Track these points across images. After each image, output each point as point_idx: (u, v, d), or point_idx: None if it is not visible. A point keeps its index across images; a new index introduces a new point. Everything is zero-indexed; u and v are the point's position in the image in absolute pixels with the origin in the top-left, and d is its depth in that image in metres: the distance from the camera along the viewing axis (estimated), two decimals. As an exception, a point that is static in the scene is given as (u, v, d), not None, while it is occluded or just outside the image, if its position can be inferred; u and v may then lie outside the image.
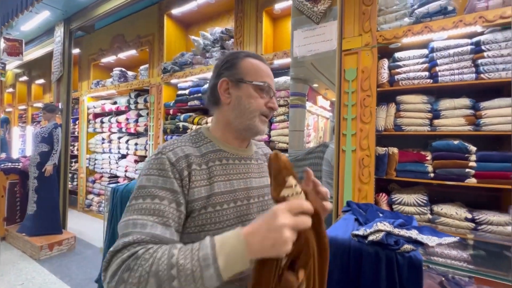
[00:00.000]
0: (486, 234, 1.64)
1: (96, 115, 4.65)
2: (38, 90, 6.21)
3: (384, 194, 2.04)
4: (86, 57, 4.68)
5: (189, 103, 3.18)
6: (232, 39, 2.84)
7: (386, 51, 2.08)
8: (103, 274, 0.51)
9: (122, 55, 4.06)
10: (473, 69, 1.71)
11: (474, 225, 1.66)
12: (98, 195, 4.43)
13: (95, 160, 4.55)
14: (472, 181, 1.69)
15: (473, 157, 1.70)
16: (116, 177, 4.28)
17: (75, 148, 4.99)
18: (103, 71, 4.71)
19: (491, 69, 1.65)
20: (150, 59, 3.64)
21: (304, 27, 1.51)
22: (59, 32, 3.71)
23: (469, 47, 1.72)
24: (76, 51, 4.61)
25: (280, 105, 2.48)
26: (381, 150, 1.97)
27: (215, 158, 0.67)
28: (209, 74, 3.03)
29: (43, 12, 3.52)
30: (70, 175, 5.00)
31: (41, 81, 5.90)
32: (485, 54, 1.67)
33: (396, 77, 1.94)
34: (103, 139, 4.44)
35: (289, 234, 0.45)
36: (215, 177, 0.64)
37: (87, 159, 4.67)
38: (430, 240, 1.17)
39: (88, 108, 4.67)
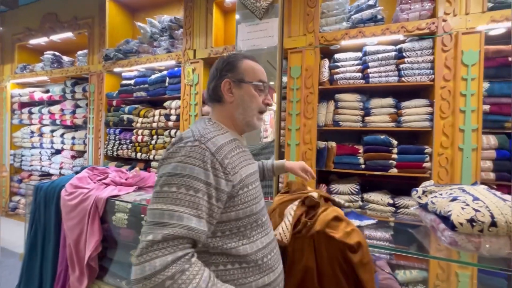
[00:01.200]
0: (404, 216, 1.90)
1: (23, 105, 4.04)
2: None
3: (324, 185, 2.20)
4: (9, 36, 4.01)
5: (134, 95, 2.97)
6: (181, 29, 2.73)
7: (328, 52, 2.24)
8: (138, 259, 0.54)
9: (56, 37, 3.58)
10: (396, 73, 1.94)
11: (394, 209, 1.91)
12: (26, 196, 3.88)
13: (22, 156, 3.96)
14: (394, 171, 1.93)
15: (395, 150, 1.94)
16: (49, 175, 3.80)
17: (-4, 142, 4.27)
18: (32, 54, 4.10)
19: (410, 74, 1.89)
20: (90, 44, 3.28)
21: (248, 21, 1.53)
22: (-31, 4, 3.11)
23: (393, 53, 1.95)
24: (-5, 28, 3.94)
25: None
26: (321, 144, 2.12)
27: (235, 147, 0.74)
28: (157, 65, 2.87)
29: None
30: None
31: None
32: (405, 60, 1.91)
33: (335, 76, 2.10)
34: (32, 132, 3.88)
35: None
36: (241, 162, 0.72)
37: (11, 155, 4.04)
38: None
39: (12, 97, 4.02)
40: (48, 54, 3.66)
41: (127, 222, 1.28)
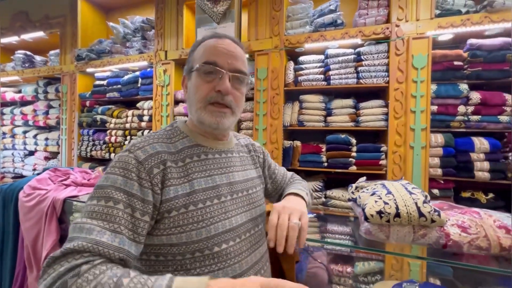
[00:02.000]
0: (362, 211, 2.00)
1: (-6, 105, 3.93)
2: None
3: (290, 183, 2.28)
4: (-22, 35, 3.89)
5: (107, 95, 2.97)
6: (153, 30, 2.75)
7: (293, 54, 2.32)
8: (39, 281, 0.43)
9: (27, 36, 3.51)
10: (355, 75, 2.04)
11: (353, 204, 2.01)
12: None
13: (-6, 157, 3.86)
14: (353, 168, 2.03)
15: (354, 148, 2.04)
16: (23, 176, 3.71)
17: (-34, 143, 4.14)
18: (2, 53, 3.98)
19: (367, 76, 2.00)
20: (62, 44, 3.24)
21: (207, 26, 1.58)
22: None
23: (352, 56, 2.05)
24: (-37, 26, 3.81)
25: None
26: (287, 143, 2.20)
27: (192, 154, 0.62)
28: (129, 65, 2.88)
29: None
30: (-41, 177, 4.16)
31: None
32: (363, 63, 2.01)
33: (299, 78, 2.18)
34: (4, 133, 3.79)
35: None
36: (193, 174, 0.60)
37: (-18, 156, 3.93)
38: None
39: (-18, 97, 3.91)
40: (19, 54, 3.58)
41: (84, 222, 1.32)
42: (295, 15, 2.24)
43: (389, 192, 0.89)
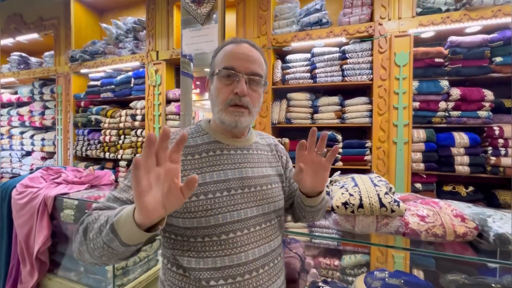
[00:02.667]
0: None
1: (-9, 107, 3.99)
2: None
3: (280, 179, 2.34)
4: (-26, 37, 3.94)
5: (101, 95, 3.02)
6: (145, 31, 2.79)
7: (281, 53, 2.36)
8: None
9: (22, 38, 3.56)
10: (340, 73, 2.08)
11: (339, 199, 2.06)
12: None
13: (-8, 158, 3.92)
14: (339, 164, 2.08)
15: (340, 145, 2.09)
16: (20, 176, 3.78)
17: (-36, 145, 4.20)
18: (-1, 56, 4.04)
19: (352, 74, 2.04)
20: (56, 46, 3.29)
21: (191, 27, 1.63)
22: None
23: (337, 55, 2.09)
24: (-41, 29, 3.85)
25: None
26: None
27: (209, 149, 0.69)
28: (122, 66, 2.92)
29: None
30: (-42, 178, 4.23)
31: None
32: (348, 61, 2.05)
33: (286, 76, 2.23)
34: (1, 134, 3.85)
35: (143, 183, 0.43)
36: (207, 167, 0.66)
37: (-19, 157, 3.99)
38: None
39: (-21, 98, 3.97)
40: (15, 56, 3.63)
41: (74, 218, 1.37)
42: (282, 15, 2.28)
43: (355, 185, 0.94)
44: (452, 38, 1.83)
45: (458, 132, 1.83)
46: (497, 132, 1.73)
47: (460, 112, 1.82)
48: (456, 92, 1.81)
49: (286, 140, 2.24)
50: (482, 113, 1.78)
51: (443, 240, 0.83)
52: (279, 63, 2.27)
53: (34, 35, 3.45)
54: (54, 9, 3.27)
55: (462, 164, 1.79)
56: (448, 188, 1.86)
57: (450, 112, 1.84)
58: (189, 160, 0.66)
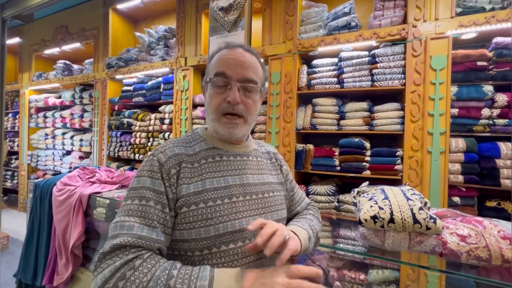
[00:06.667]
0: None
1: (39, 110, 4.40)
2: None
3: (303, 185, 2.29)
4: (27, 47, 4.40)
5: (133, 100, 3.19)
6: (175, 38, 2.91)
7: (307, 58, 2.32)
8: (93, 274, 0.51)
9: (67, 47, 3.90)
10: (370, 77, 2.00)
11: (366, 210, 1.96)
12: (28, 192, 4.21)
13: (38, 156, 4.31)
14: (367, 173, 1.99)
15: (368, 152, 1.99)
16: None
17: (15, 143, 4.67)
18: (47, 63, 4.46)
19: (382, 78, 1.95)
20: (95, 53, 3.56)
21: (219, 34, 1.66)
22: (-9, 20, 3.46)
23: (367, 59, 2.01)
24: (15, 40, 4.32)
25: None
26: (300, 146, 2.21)
27: (208, 156, 0.65)
28: (153, 72, 3.07)
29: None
30: (9, 173, 4.71)
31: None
32: (378, 65, 1.96)
33: (312, 81, 2.19)
34: (46, 134, 4.22)
35: None
36: (207, 174, 0.63)
37: (28, 155, 4.41)
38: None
39: (29, 102, 4.40)
40: (60, 63, 3.98)
41: (105, 216, 1.45)
42: (309, 19, 2.25)
43: (386, 197, 0.88)
44: (498, 39, 1.67)
45: (505, 142, 1.65)
46: (552, 143, 1.54)
47: (507, 120, 1.65)
48: (502, 98, 1.65)
49: (311, 146, 2.19)
50: (534, 121, 1.60)
51: (488, 264, 0.75)
52: (304, 68, 2.24)
53: (76, 44, 3.77)
54: (94, 20, 3.54)
55: (509, 178, 1.62)
56: (492, 204, 1.69)
57: (495, 120, 1.67)
58: (187, 168, 0.62)
